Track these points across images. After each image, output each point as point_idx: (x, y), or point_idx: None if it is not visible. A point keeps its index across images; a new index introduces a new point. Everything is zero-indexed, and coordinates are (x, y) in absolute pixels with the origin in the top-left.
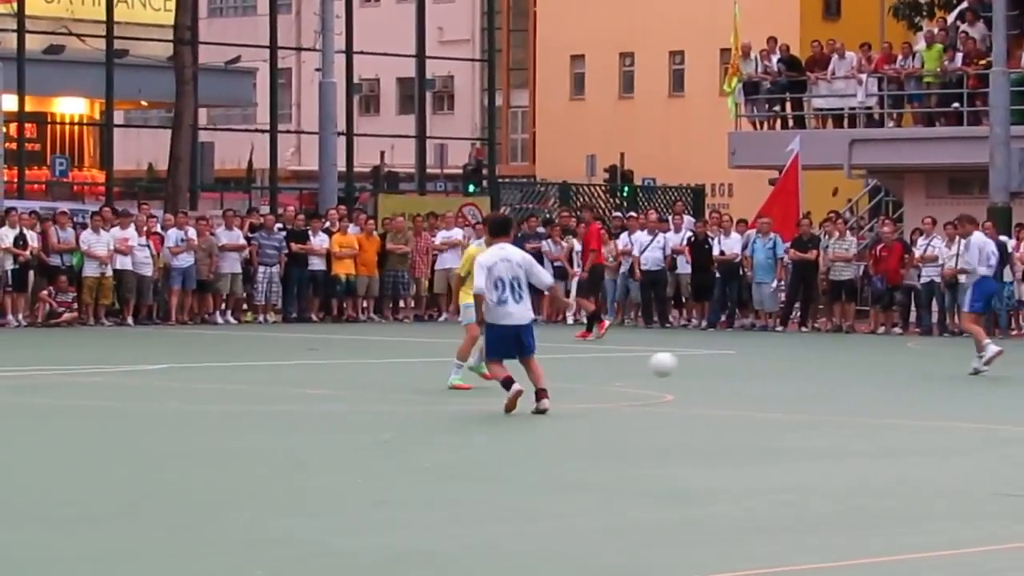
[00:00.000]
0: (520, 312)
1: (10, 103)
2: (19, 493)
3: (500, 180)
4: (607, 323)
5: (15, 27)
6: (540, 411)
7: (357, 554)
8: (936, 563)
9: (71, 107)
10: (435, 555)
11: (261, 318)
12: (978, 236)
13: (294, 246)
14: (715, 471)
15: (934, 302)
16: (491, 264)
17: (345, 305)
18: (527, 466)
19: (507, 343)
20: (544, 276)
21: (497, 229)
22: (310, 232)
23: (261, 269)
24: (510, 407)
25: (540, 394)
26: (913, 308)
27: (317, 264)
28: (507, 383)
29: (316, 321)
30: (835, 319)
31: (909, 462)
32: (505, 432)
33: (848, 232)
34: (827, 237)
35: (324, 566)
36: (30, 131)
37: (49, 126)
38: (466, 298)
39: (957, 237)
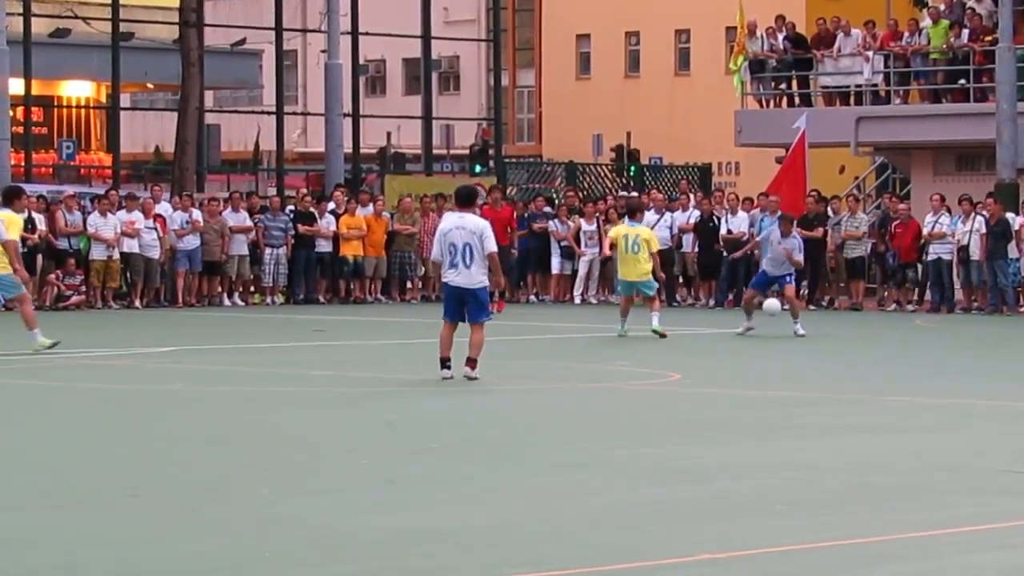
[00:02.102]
0: (466, 277)
1: (17, 87)
2: (26, 476)
3: (507, 160)
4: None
5: (21, 11)
6: (467, 377)
7: (364, 533)
8: (949, 539)
9: (77, 90)
10: (441, 534)
11: (268, 300)
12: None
13: (301, 227)
14: (723, 448)
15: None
16: (448, 230)
17: (352, 286)
18: (533, 445)
19: (452, 302)
20: (489, 244)
21: (462, 200)
22: (317, 213)
23: (268, 251)
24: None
25: (469, 362)
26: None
27: (324, 245)
28: (443, 361)
29: (323, 303)
30: (851, 298)
31: (919, 439)
32: (511, 411)
33: (859, 210)
34: (836, 215)
35: (331, 545)
36: (37, 115)
37: (56, 109)
38: None
39: (973, 213)
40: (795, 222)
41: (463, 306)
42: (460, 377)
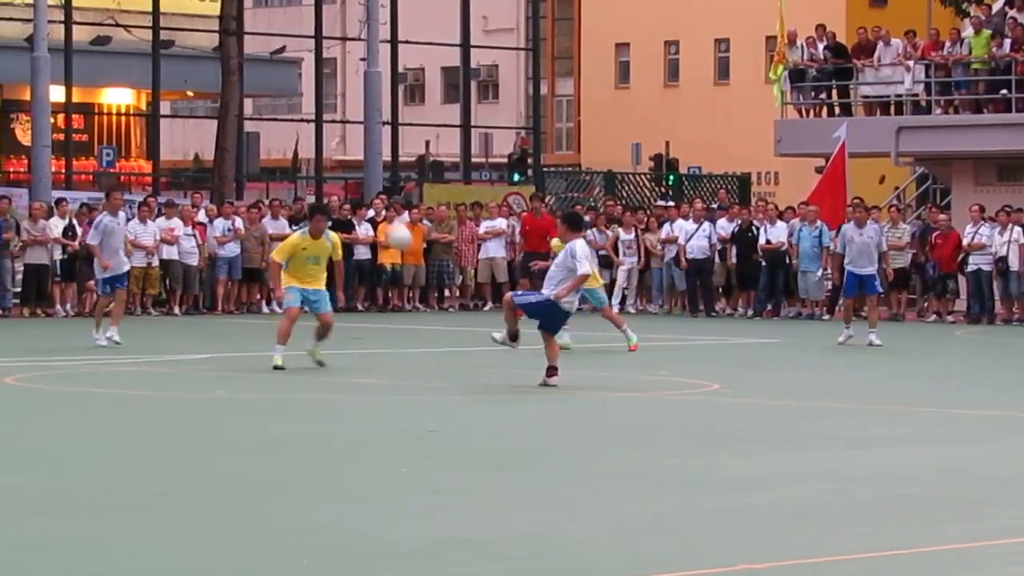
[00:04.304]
0: (575, 302)
1: (58, 94)
2: (65, 481)
3: (545, 169)
4: None
5: (62, 18)
6: (548, 385)
7: (402, 542)
8: (989, 551)
9: (118, 98)
10: (478, 542)
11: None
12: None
13: (340, 236)
14: (761, 459)
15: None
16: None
17: (391, 294)
18: (570, 454)
19: (550, 319)
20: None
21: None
22: (355, 221)
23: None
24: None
25: (552, 371)
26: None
27: (363, 253)
28: (513, 336)
29: (361, 310)
30: (891, 308)
31: (959, 450)
32: (548, 420)
33: (901, 220)
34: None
35: (368, 554)
36: (77, 122)
37: (96, 117)
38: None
39: (1010, 224)
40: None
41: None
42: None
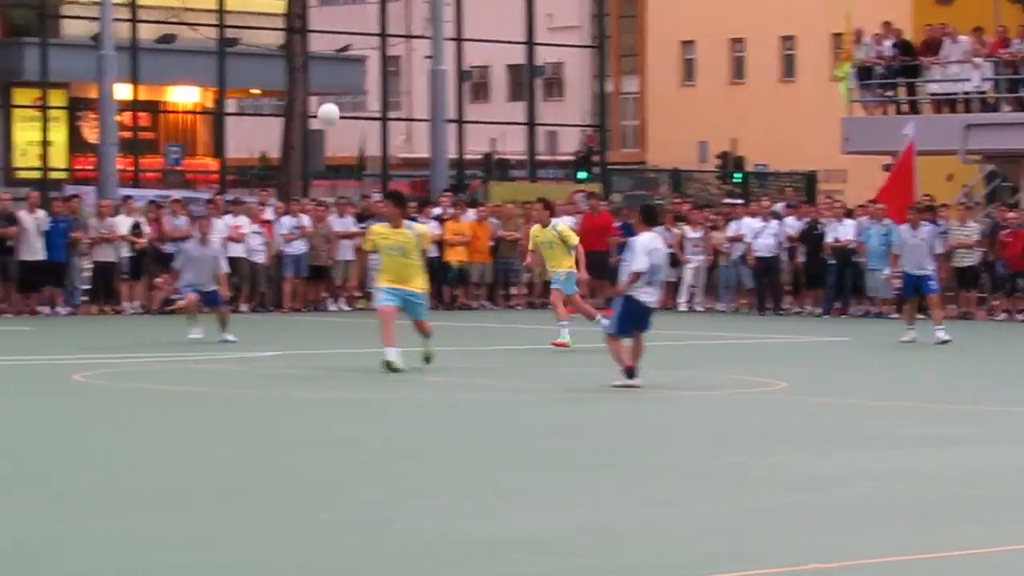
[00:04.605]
0: (657, 297)
1: (124, 92)
2: (135, 478)
3: (611, 167)
4: None
5: (129, 16)
6: (628, 386)
7: (469, 540)
8: None
9: (184, 96)
10: (547, 541)
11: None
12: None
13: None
14: (829, 458)
15: None
16: (653, 248)
17: (457, 292)
18: (639, 452)
19: (634, 320)
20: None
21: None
22: (421, 219)
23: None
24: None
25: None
26: None
27: (429, 251)
28: (629, 372)
29: (432, 308)
30: (960, 307)
31: None
32: (619, 418)
33: (970, 218)
34: (945, 223)
35: (436, 552)
36: (144, 120)
37: (162, 115)
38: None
39: None
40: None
41: (644, 321)
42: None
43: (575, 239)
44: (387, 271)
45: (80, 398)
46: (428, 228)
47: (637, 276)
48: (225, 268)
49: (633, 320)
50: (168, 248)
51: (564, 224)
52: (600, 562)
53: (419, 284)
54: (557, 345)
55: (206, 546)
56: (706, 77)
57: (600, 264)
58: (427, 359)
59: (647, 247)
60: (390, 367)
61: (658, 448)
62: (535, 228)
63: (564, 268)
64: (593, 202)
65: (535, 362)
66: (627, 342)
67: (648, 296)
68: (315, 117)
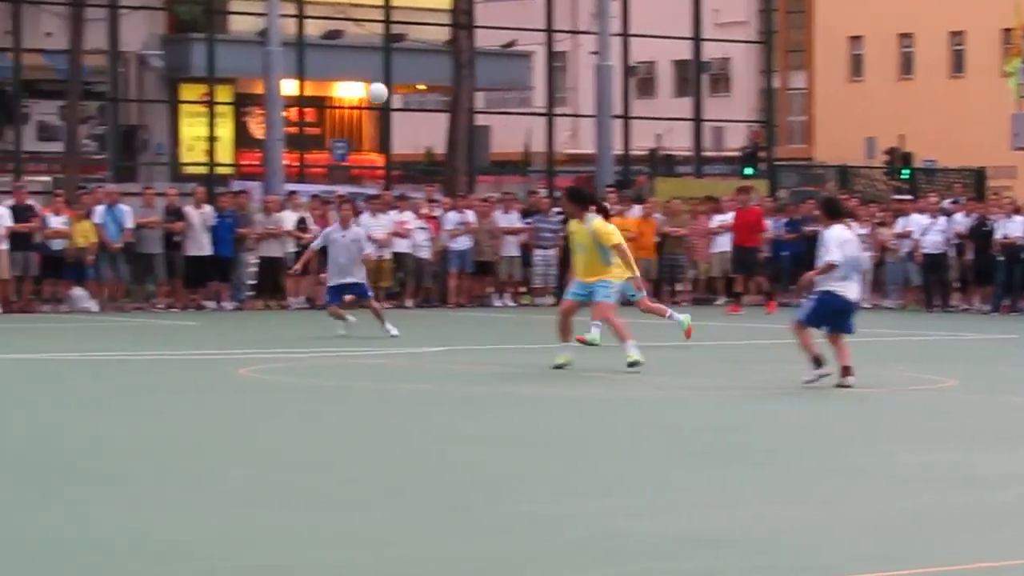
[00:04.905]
0: (856, 291)
1: (290, 88)
2: (296, 474)
3: (777, 163)
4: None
5: (295, 12)
6: (844, 386)
7: (633, 536)
8: None
9: (350, 91)
10: (711, 538)
11: (538, 301)
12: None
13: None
14: (998, 456)
15: None
16: (846, 240)
17: None
18: (807, 449)
19: (832, 315)
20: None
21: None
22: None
23: (538, 252)
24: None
25: (847, 371)
26: None
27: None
28: (817, 361)
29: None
30: None
31: None
32: (784, 415)
33: None
34: None
35: (600, 548)
36: (310, 116)
37: (328, 110)
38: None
39: None
40: None
41: (842, 317)
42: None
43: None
44: (574, 266)
45: (245, 393)
46: (601, 221)
47: (830, 267)
48: (368, 249)
49: (830, 316)
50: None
51: (599, 222)
52: (763, 559)
53: (592, 276)
54: (580, 341)
55: (374, 542)
56: (874, 72)
57: (751, 260)
58: (588, 343)
59: (839, 239)
60: (562, 362)
61: (825, 445)
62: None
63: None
64: (743, 197)
65: (699, 359)
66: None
67: (847, 291)
68: (481, 113)
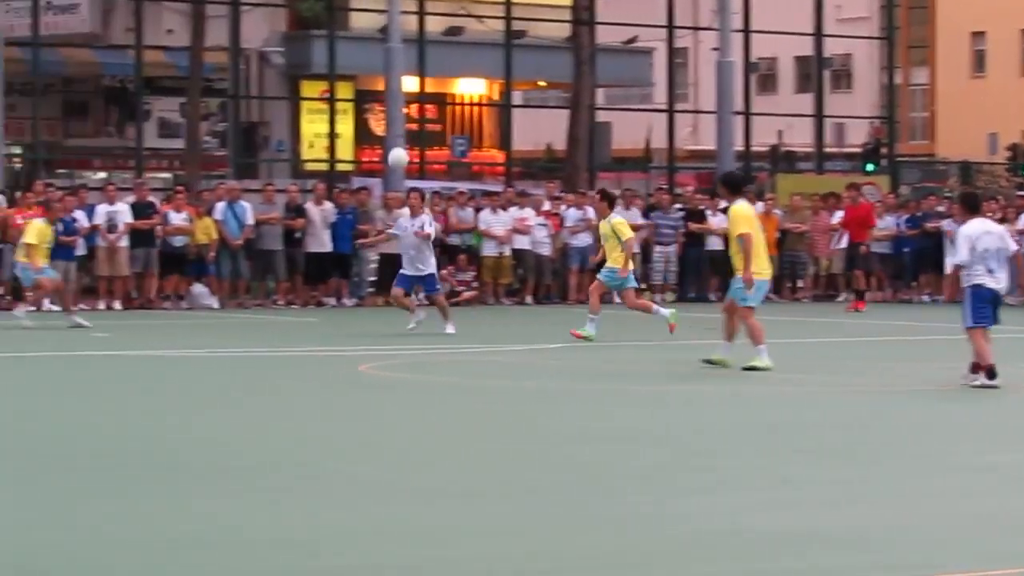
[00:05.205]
0: (1000, 282)
1: (411, 84)
2: (419, 471)
3: (899, 159)
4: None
5: (416, 9)
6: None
7: (751, 533)
8: None
9: (470, 88)
10: (827, 535)
11: (658, 298)
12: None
13: (691, 225)
14: None
15: None
16: (977, 235)
17: None
18: (921, 446)
19: (991, 307)
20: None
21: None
22: (708, 211)
23: (658, 248)
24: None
25: (989, 369)
26: None
27: (715, 244)
28: (991, 372)
29: (714, 301)
30: None
31: None
32: (898, 413)
33: None
34: None
35: (731, 544)
36: (430, 112)
37: (449, 107)
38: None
39: None
40: None
41: (995, 309)
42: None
43: (627, 234)
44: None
45: (365, 389)
46: (621, 219)
47: (958, 269)
48: (428, 228)
49: (989, 306)
50: (452, 240)
51: (619, 218)
52: (880, 558)
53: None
54: (576, 336)
55: (497, 537)
56: (996, 68)
57: (855, 255)
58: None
59: (970, 236)
60: (715, 360)
61: (939, 443)
62: (603, 224)
63: (610, 263)
64: (853, 193)
65: (818, 356)
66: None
67: (992, 282)
68: (602, 109)
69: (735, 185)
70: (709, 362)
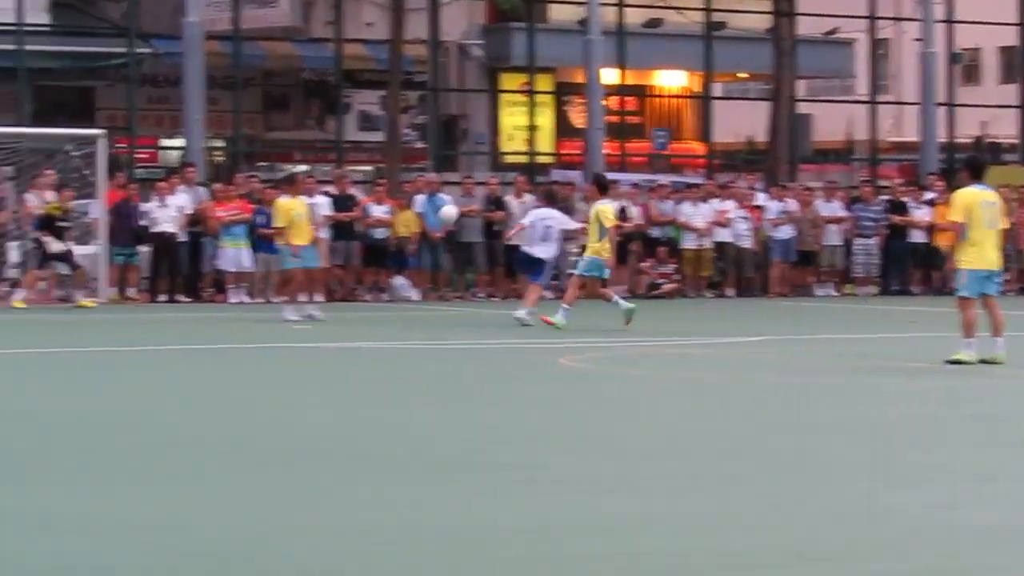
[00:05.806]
0: None
1: (611, 76)
2: (632, 464)
3: None
4: None
5: (615, 1)
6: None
7: (961, 528)
8: None
9: (670, 80)
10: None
11: (860, 291)
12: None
13: (895, 218)
14: None
15: None
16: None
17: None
18: None
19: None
20: None
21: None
22: (910, 203)
23: (859, 241)
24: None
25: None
26: None
27: (918, 236)
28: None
29: (917, 294)
30: None
31: None
32: None
33: None
34: None
35: (929, 540)
36: (631, 104)
37: (649, 99)
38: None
39: None
40: None
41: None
42: None
43: (610, 222)
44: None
45: (567, 382)
46: (607, 206)
47: None
48: (558, 225)
49: None
50: (655, 233)
51: (605, 204)
52: None
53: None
54: (546, 322)
55: (707, 530)
56: None
57: None
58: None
59: None
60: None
61: None
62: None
63: (587, 253)
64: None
65: None
66: None
67: None
68: (803, 101)
69: (978, 170)
70: (983, 361)
